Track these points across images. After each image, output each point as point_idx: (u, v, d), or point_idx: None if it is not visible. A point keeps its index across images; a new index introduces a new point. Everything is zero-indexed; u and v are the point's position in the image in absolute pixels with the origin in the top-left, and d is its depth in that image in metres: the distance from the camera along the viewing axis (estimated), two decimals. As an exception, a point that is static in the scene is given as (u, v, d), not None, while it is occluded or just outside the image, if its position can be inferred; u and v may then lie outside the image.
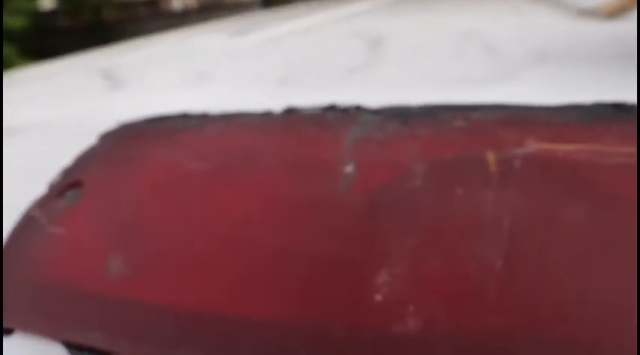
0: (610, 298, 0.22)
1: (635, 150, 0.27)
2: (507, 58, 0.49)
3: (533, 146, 0.27)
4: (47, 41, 5.18)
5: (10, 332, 0.29)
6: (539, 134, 0.28)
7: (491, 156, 0.27)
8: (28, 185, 0.38)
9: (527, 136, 0.28)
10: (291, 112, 0.35)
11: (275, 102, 0.39)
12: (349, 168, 0.28)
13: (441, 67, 0.48)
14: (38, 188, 0.38)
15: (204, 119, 0.39)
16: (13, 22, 3.92)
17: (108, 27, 6.28)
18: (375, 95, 0.39)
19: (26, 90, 0.69)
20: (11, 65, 3.58)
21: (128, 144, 0.40)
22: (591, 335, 0.21)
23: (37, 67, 0.89)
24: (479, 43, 0.53)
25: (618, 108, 0.30)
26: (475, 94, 0.38)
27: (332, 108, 0.34)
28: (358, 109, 0.32)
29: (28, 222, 0.34)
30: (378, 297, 0.23)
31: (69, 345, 0.27)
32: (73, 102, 0.54)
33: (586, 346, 0.20)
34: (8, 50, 3.69)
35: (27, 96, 0.68)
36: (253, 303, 0.24)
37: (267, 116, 0.35)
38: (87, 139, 0.41)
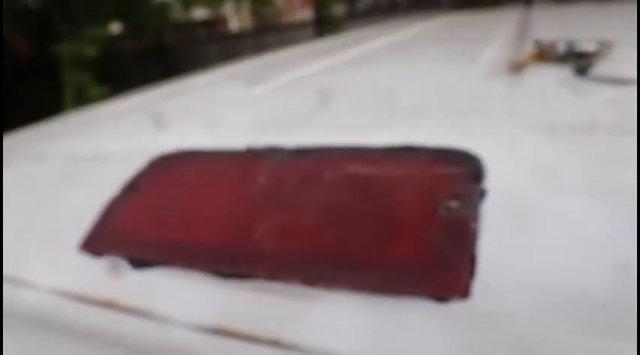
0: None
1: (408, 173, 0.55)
2: (400, 110, 0.76)
3: (350, 169, 0.57)
4: (115, 65, 5.57)
5: (100, 254, 0.60)
6: (358, 162, 0.57)
7: (327, 173, 0.56)
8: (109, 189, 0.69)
9: (351, 164, 0.57)
10: (250, 150, 0.66)
11: (252, 140, 0.70)
12: (262, 179, 0.58)
13: (356, 117, 0.76)
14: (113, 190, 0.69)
15: (205, 153, 0.70)
16: (88, 50, 4.17)
17: (169, 50, 6.72)
18: (311, 137, 0.68)
19: (101, 127, 1.03)
20: (87, 91, 3.99)
21: (164, 165, 0.71)
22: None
23: (105, 106, 1.24)
24: (385, 99, 0.80)
25: (409, 148, 0.59)
26: (364, 137, 0.66)
27: (267, 148, 0.64)
28: (274, 149, 0.63)
29: (110, 204, 0.65)
30: (258, 231, 0.53)
31: (131, 259, 0.57)
32: (132, 137, 0.87)
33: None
34: (83, 77, 4.00)
35: (102, 131, 1.02)
36: (211, 235, 0.55)
37: (234, 151, 0.66)
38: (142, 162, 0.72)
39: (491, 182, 0.52)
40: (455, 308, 0.43)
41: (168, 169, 0.68)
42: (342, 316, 0.45)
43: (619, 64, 0.86)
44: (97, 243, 0.61)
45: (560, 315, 0.42)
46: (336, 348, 0.44)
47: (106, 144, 0.88)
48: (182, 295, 0.52)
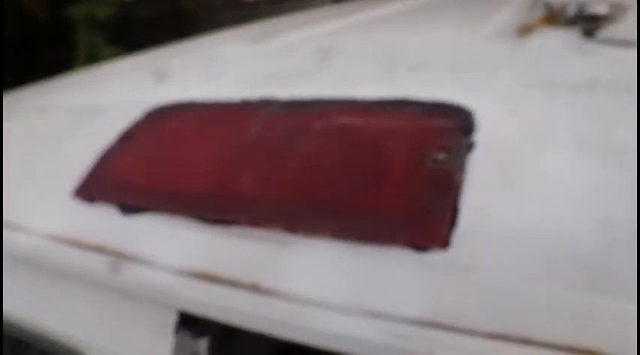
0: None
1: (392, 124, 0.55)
2: (400, 66, 0.75)
3: (341, 120, 0.56)
4: (129, 30, 5.56)
5: (92, 200, 0.61)
6: (349, 113, 0.57)
7: (317, 124, 0.56)
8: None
9: (342, 115, 0.57)
10: (244, 102, 0.66)
11: (248, 94, 0.70)
12: (253, 130, 0.58)
13: (355, 73, 0.75)
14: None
15: (201, 104, 0.70)
16: (102, 11, 4.16)
17: (183, 16, 6.68)
18: (307, 91, 0.67)
19: (104, 81, 1.03)
20: (99, 52, 3.99)
21: (160, 116, 0.71)
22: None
23: (116, 63, 1.24)
24: (386, 56, 0.79)
25: (401, 102, 0.58)
26: (359, 90, 0.66)
27: (263, 101, 0.64)
28: (268, 101, 0.62)
29: (104, 153, 0.66)
30: (244, 179, 0.53)
31: (121, 205, 0.58)
32: (132, 91, 0.87)
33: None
34: (97, 38, 4.00)
35: (105, 85, 1.02)
36: (199, 182, 0.55)
37: (229, 103, 0.66)
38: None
39: (482, 135, 0.51)
40: (434, 257, 0.43)
41: (164, 120, 0.69)
42: (322, 263, 0.45)
43: (630, 27, 0.83)
44: (90, 189, 0.62)
45: (541, 269, 0.41)
46: (313, 294, 0.44)
47: (106, 97, 0.88)
48: (168, 240, 0.53)
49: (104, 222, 0.58)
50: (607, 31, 0.81)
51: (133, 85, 0.92)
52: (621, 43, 0.74)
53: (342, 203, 0.47)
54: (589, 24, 0.85)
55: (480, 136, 0.51)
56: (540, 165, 0.48)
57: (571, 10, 0.92)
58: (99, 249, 0.55)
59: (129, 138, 0.68)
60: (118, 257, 0.54)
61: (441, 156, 0.49)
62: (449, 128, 0.52)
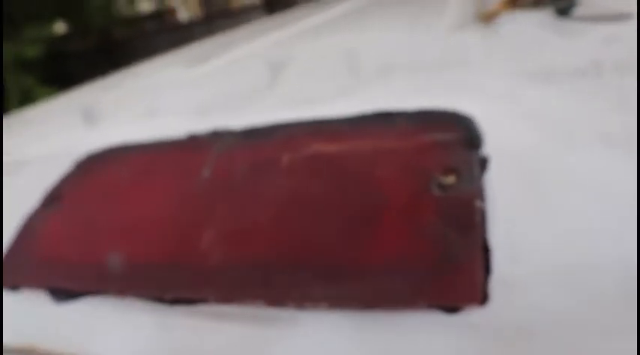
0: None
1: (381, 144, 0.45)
2: (364, 74, 0.65)
3: (312, 148, 0.45)
4: (62, 66, 5.31)
5: (17, 287, 0.48)
6: (321, 139, 0.46)
7: (285, 156, 0.45)
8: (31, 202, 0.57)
9: (313, 142, 0.46)
10: (191, 137, 0.54)
11: (195, 126, 0.58)
12: (206, 172, 0.47)
13: (314, 87, 0.65)
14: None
15: (139, 147, 0.58)
16: (30, 51, 3.92)
17: (118, 46, 6.47)
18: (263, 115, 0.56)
19: (28, 129, 0.89)
20: (33, 94, 3.74)
21: (91, 167, 0.59)
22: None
23: (34, 108, 1.10)
24: (347, 63, 0.69)
25: (383, 115, 0.48)
26: (327, 108, 0.55)
27: (212, 133, 0.53)
28: (220, 134, 0.51)
29: (26, 222, 0.53)
30: (204, 240, 0.41)
31: (52, 290, 0.45)
32: (57, 137, 0.74)
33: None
34: (29, 80, 3.77)
35: (29, 134, 0.88)
36: (149, 250, 0.43)
37: (172, 142, 0.54)
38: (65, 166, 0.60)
39: (492, 146, 0.42)
40: (471, 319, 0.33)
41: (97, 171, 0.56)
42: (319, 344, 0.34)
43: (602, 1, 0.76)
44: (13, 273, 0.49)
45: (608, 313, 0.32)
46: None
47: (28, 146, 0.75)
48: (118, 331, 0.41)
49: (31, 315, 0.45)
50: (580, 9, 0.74)
51: (58, 131, 0.79)
52: (604, 18, 0.67)
53: (335, 259, 0.37)
54: (558, 2, 0.78)
55: (490, 148, 0.41)
56: (572, 174, 0.38)
57: (534, -10, 0.85)
58: (28, 352, 0.43)
59: (56, 197, 0.56)
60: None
61: (449, 179, 0.39)
62: (450, 142, 0.42)
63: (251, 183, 0.44)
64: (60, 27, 6.00)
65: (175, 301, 0.39)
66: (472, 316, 0.32)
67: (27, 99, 3.72)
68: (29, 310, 0.46)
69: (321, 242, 0.38)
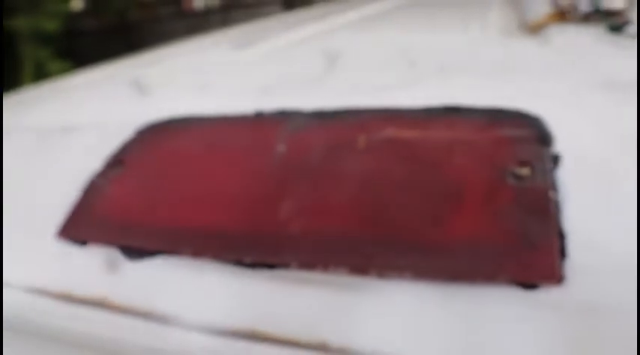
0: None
1: (452, 135, 0.46)
2: (424, 69, 0.66)
3: (388, 132, 0.47)
4: (76, 43, 5.30)
5: (85, 242, 0.49)
6: (396, 125, 0.48)
7: (361, 139, 0.47)
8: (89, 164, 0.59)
9: (388, 127, 0.48)
10: (258, 115, 0.56)
11: (257, 105, 0.60)
12: (282, 147, 0.48)
13: (374, 76, 0.66)
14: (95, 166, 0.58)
15: (205, 119, 0.59)
16: (48, 24, 3.92)
17: (132, 28, 6.47)
18: (327, 99, 0.58)
19: (73, 96, 0.90)
20: (46, 67, 3.74)
21: (154, 135, 0.60)
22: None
23: (80, 75, 1.10)
24: (405, 57, 0.71)
25: (454, 109, 0.50)
26: (390, 97, 0.57)
27: (280, 112, 0.54)
28: (289, 113, 0.53)
29: (92, 182, 0.55)
30: (284, 209, 0.43)
31: (124, 248, 0.47)
32: (113, 105, 0.75)
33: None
34: (43, 53, 3.77)
35: (75, 101, 0.89)
36: (225, 215, 0.45)
37: (240, 117, 0.56)
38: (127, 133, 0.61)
39: (561, 146, 0.43)
40: (547, 296, 0.34)
41: (162, 139, 0.58)
42: (404, 311, 0.36)
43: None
44: (80, 228, 0.51)
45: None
46: (398, 352, 0.35)
47: (80, 114, 0.76)
48: (194, 291, 0.42)
49: (103, 269, 0.47)
50: (633, 26, 0.76)
51: (109, 99, 0.80)
52: (656, 37, 0.69)
53: (418, 233, 0.38)
54: (610, 19, 0.80)
55: (560, 147, 0.43)
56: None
57: (584, 6, 0.87)
58: (100, 305, 0.44)
59: (120, 162, 0.57)
60: (127, 314, 0.43)
61: (524, 171, 0.41)
62: (523, 138, 0.44)
63: (328, 161, 0.46)
64: (77, 4, 5.99)
65: (254, 265, 0.41)
66: (549, 294, 0.34)
67: (40, 72, 3.72)
68: (100, 265, 0.47)
69: (402, 216, 0.40)
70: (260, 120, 0.55)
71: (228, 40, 1.11)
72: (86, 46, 5.47)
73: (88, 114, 0.76)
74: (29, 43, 3.77)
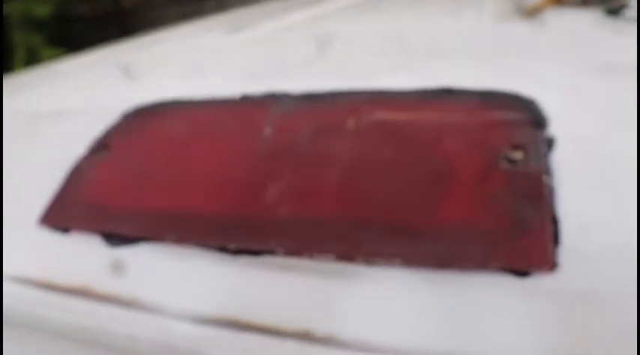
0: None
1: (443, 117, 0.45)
2: (416, 52, 0.65)
3: (378, 115, 0.46)
4: (69, 29, 5.25)
5: (67, 230, 0.48)
6: (387, 107, 0.47)
7: (350, 121, 0.46)
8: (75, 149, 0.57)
9: (379, 109, 0.47)
10: (245, 97, 0.54)
11: (245, 88, 0.58)
12: (269, 130, 0.47)
13: (366, 60, 0.65)
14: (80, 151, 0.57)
15: (191, 103, 0.58)
16: (40, 9, 3.87)
17: (126, 14, 6.41)
18: (318, 83, 0.57)
19: (62, 80, 0.88)
20: (38, 54, 3.70)
21: (140, 119, 0.59)
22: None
23: (70, 60, 1.08)
24: (397, 41, 0.69)
25: (446, 91, 0.48)
26: (382, 80, 0.56)
27: (268, 95, 0.53)
28: (278, 96, 0.51)
29: (76, 168, 0.53)
30: (270, 193, 0.42)
31: (106, 235, 0.46)
32: (101, 89, 0.73)
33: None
34: (35, 39, 3.72)
35: (64, 85, 0.87)
36: (210, 200, 0.43)
37: (227, 100, 0.55)
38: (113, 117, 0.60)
39: (556, 130, 0.42)
40: (540, 284, 0.34)
41: (147, 124, 0.56)
42: (392, 299, 0.35)
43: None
44: (62, 215, 0.50)
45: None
46: (386, 341, 0.34)
47: (68, 98, 0.74)
48: (177, 279, 0.41)
49: (85, 257, 0.46)
50: (632, 10, 0.74)
51: (97, 83, 0.78)
52: (654, 20, 0.67)
53: (407, 218, 0.37)
54: (608, 2, 0.79)
55: (556, 131, 0.42)
56: (637, 160, 0.39)
57: (581, -11, 0.85)
58: (82, 293, 0.43)
59: (105, 147, 0.56)
60: (109, 302, 0.42)
61: (518, 155, 0.40)
62: (517, 121, 0.43)
63: (316, 144, 0.45)
64: (69, -11, 5.92)
65: (239, 251, 0.40)
66: (541, 281, 0.33)
67: (32, 58, 3.67)
68: (83, 253, 0.46)
69: (391, 201, 0.38)
70: (247, 103, 0.53)
71: (220, 25, 1.09)
72: (80, 32, 5.41)
73: (76, 99, 0.74)
74: (21, 29, 3.73)
